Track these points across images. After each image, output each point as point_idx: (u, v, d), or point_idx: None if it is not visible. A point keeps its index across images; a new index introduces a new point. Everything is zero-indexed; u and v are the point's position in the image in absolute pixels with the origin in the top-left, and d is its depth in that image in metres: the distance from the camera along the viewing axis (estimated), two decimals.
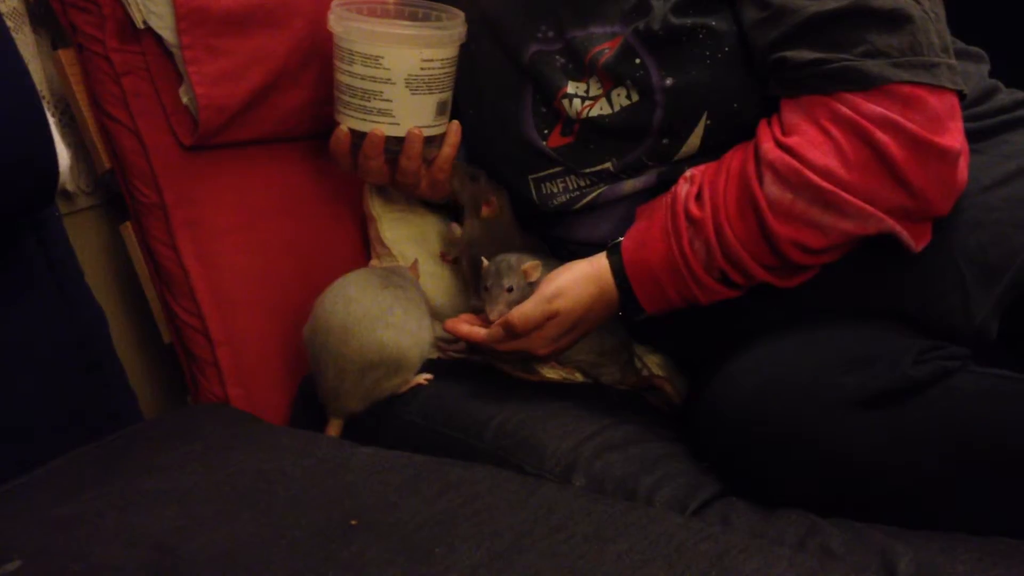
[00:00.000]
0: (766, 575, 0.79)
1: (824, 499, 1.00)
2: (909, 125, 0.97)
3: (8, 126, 1.02)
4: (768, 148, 1.02)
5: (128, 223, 1.35)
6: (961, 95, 1.01)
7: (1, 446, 1.10)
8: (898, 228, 1.01)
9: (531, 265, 1.15)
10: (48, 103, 1.33)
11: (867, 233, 1.01)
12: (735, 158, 1.06)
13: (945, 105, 0.99)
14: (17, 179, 1.06)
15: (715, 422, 1.05)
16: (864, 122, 0.98)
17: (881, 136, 0.97)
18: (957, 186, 1.01)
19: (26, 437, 1.11)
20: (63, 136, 1.28)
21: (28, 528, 0.93)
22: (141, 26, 1.25)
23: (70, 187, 1.36)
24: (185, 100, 1.29)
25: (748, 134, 1.06)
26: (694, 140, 1.12)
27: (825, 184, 0.99)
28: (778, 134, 1.02)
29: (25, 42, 1.30)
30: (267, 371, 1.35)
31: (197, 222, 1.32)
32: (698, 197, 1.05)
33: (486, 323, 1.16)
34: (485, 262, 1.18)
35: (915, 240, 1.03)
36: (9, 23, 1.26)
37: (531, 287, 1.13)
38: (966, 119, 1.03)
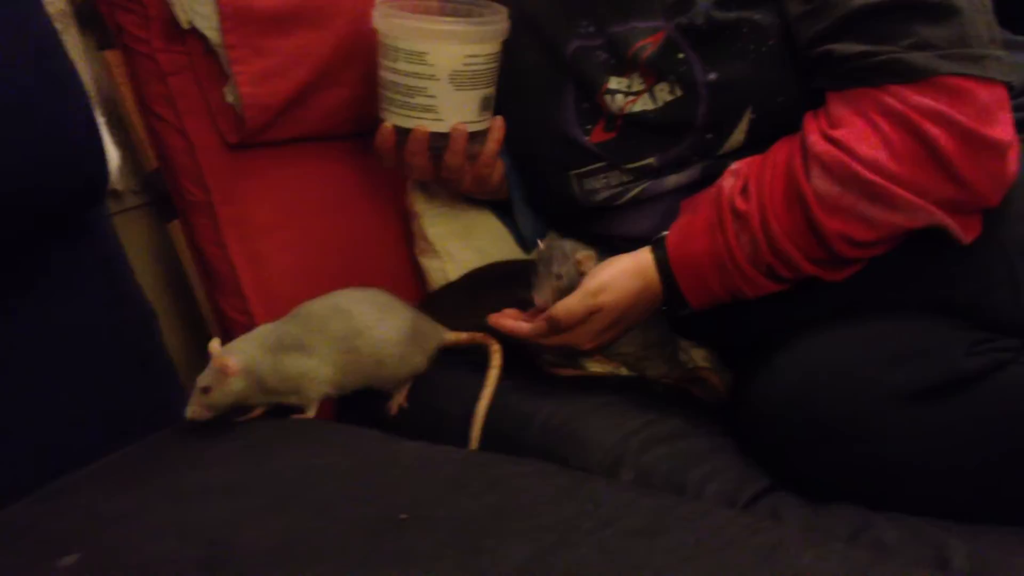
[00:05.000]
0: (819, 569, 0.78)
1: (874, 493, 1.00)
2: (958, 117, 0.96)
3: (60, 127, 1.04)
4: (815, 141, 1.01)
5: (175, 221, 1.37)
6: (1010, 86, 1.00)
7: (55, 442, 1.12)
8: (947, 220, 1.00)
9: (585, 255, 1.14)
10: (96, 104, 1.35)
11: (916, 226, 1.00)
12: (781, 151, 1.05)
13: (994, 97, 0.98)
14: (69, 179, 1.08)
15: (762, 416, 1.04)
16: (913, 114, 0.97)
17: (930, 128, 0.96)
18: (1007, 178, 1.00)
19: (79, 433, 1.13)
20: (111, 136, 1.30)
21: (83, 522, 0.94)
22: (186, 26, 1.26)
23: (119, 186, 1.38)
24: (230, 99, 1.30)
25: (793, 127, 1.06)
26: (738, 134, 1.11)
27: (873, 177, 0.98)
28: (825, 127, 1.02)
29: (72, 44, 1.32)
30: None
31: (243, 219, 1.33)
32: (744, 191, 1.05)
33: (530, 317, 1.16)
34: (540, 245, 1.18)
35: (964, 232, 1.02)
36: (56, 25, 1.28)
37: (582, 277, 1.13)
38: (1014, 110, 1.01)
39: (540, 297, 1.14)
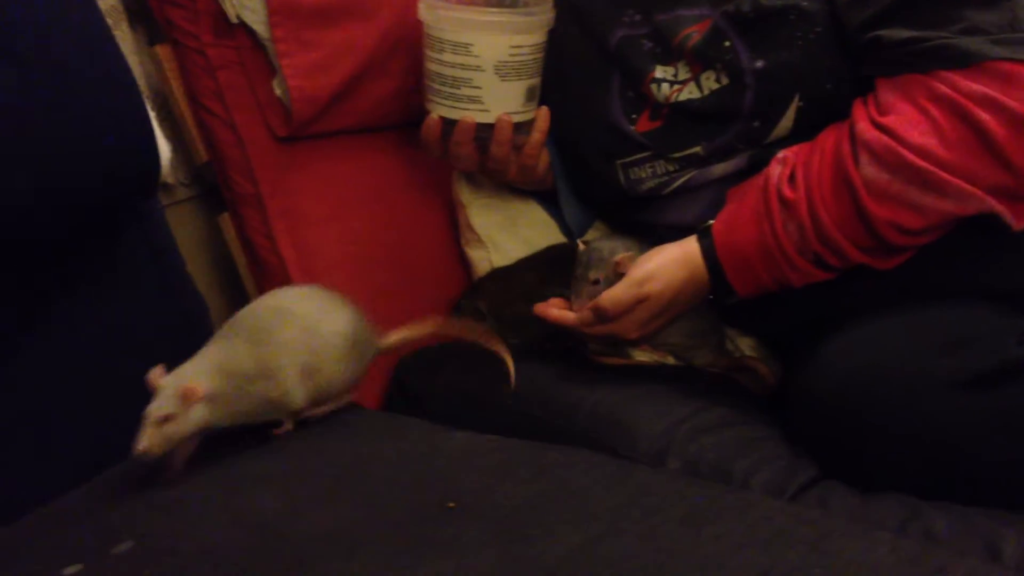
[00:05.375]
0: (867, 559, 0.77)
1: (924, 483, 0.99)
2: (1009, 102, 0.95)
3: (113, 122, 1.06)
4: (864, 128, 1.00)
5: (225, 214, 1.38)
6: None
7: (108, 431, 1.13)
8: (999, 207, 0.98)
9: (624, 257, 1.13)
10: (147, 98, 1.37)
11: (966, 213, 0.99)
12: (829, 139, 1.04)
13: None
14: (122, 173, 1.09)
15: (811, 406, 1.04)
16: (963, 100, 0.96)
17: (981, 114, 0.95)
18: None
19: (132, 422, 1.14)
20: (162, 130, 1.32)
21: (136, 510, 0.96)
22: (235, 20, 1.28)
23: (170, 179, 1.40)
24: (278, 92, 1.31)
25: (841, 115, 1.05)
26: (786, 122, 1.10)
27: (923, 164, 0.97)
28: (874, 114, 1.01)
29: (123, 39, 1.34)
30: None
31: (292, 212, 1.34)
32: (791, 179, 1.04)
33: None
34: (581, 246, 1.18)
35: (1016, 218, 1.01)
36: (107, 20, 1.30)
37: (620, 278, 1.13)
38: None
39: (577, 304, 1.14)
